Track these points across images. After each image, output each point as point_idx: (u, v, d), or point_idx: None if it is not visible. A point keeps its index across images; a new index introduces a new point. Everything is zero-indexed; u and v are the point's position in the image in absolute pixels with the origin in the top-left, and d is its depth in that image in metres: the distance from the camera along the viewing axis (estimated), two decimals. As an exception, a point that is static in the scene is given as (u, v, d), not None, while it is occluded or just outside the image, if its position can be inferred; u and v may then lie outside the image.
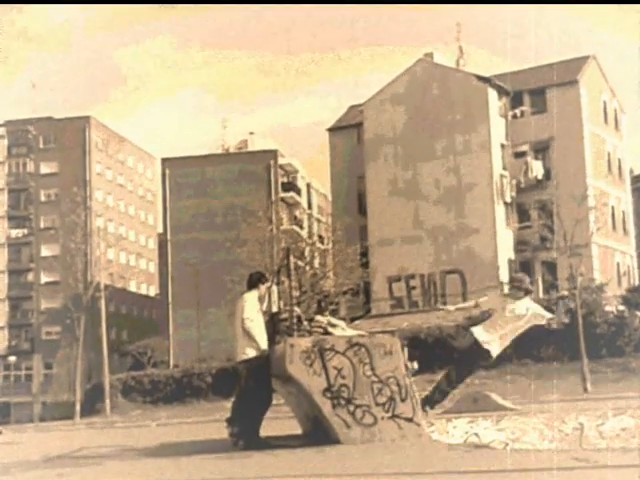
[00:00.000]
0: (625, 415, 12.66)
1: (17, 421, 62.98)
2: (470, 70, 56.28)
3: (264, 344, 10.59)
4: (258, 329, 10.61)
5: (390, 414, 10.03)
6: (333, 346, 10.19)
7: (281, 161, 69.48)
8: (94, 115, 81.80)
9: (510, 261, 52.77)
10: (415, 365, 10.30)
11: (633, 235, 58.72)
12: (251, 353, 10.54)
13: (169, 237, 68.23)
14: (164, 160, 71.04)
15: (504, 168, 53.59)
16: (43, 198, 79.12)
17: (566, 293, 43.89)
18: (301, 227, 68.18)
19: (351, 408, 9.96)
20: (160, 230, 78.55)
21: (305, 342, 10.26)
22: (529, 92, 54.66)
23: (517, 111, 54.80)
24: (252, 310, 10.66)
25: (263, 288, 11.08)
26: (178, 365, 57.57)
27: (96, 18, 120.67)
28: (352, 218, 56.39)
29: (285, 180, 70.13)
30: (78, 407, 48.73)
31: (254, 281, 11.09)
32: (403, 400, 10.10)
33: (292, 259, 13.20)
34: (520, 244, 52.92)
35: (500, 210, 52.90)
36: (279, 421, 14.24)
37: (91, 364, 63.83)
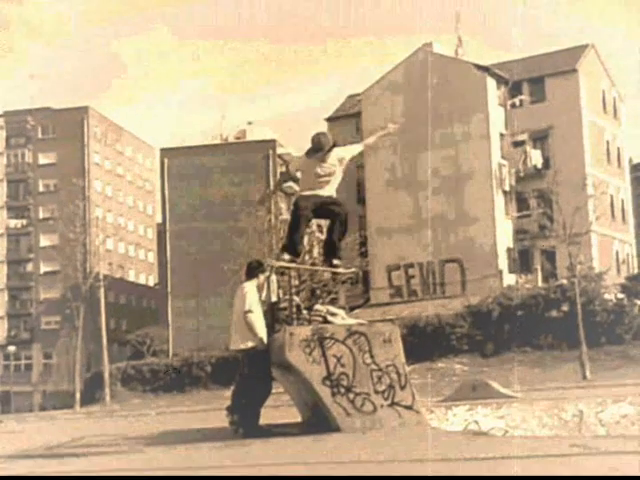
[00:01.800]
0: (624, 402, 12.69)
1: (17, 410, 63.05)
2: (469, 59, 56.19)
3: (263, 334, 10.61)
4: (258, 320, 10.63)
5: (389, 402, 10.04)
6: (333, 335, 10.20)
7: (279, 150, 69.41)
8: (93, 106, 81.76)
9: (509, 250, 52.80)
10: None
11: (632, 223, 58.73)
12: (251, 343, 10.56)
13: (168, 227, 68.17)
14: (163, 150, 70.96)
15: (503, 157, 53.54)
16: (42, 188, 79.06)
17: (565, 281, 43.97)
18: (300, 216, 68.02)
19: (351, 396, 9.98)
20: (159, 220, 78.51)
21: (305, 331, 10.28)
22: (528, 81, 54.55)
23: (516, 100, 54.70)
24: (253, 301, 10.67)
25: (262, 277, 11.09)
26: (177, 354, 57.67)
27: (95, 8, 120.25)
28: (351, 207, 55.98)
29: (284, 169, 70.05)
30: (78, 396, 48.88)
31: (252, 270, 11.10)
32: (402, 388, 10.12)
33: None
34: (519, 233, 52.93)
35: (499, 199, 52.88)
36: (279, 409, 14.26)
37: (91, 353, 63.92)
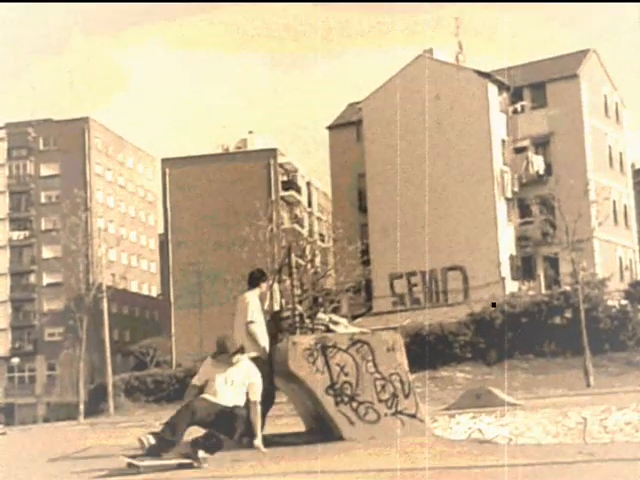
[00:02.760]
0: (629, 409, 12.65)
1: (21, 422, 63.11)
2: (470, 65, 56.23)
3: (266, 344, 10.58)
4: (260, 330, 10.60)
5: (393, 410, 10.02)
6: (336, 343, 10.18)
7: (281, 160, 69.46)
8: (94, 117, 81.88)
9: (512, 257, 52.73)
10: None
11: (635, 229, 58.64)
12: (253, 353, 10.53)
13: (170, 237, 68.22)
14: (164, 160, 71.05)
15: (505, 163, 53.52)
16: (44, 200, 79.18)
17: (568, 288, 43.89)
18: (302, 226, 68.15)
19: (354, 405, 9.95)
20: (161, 230, 78.57)
21: (308, 340, 10.26)
22: (529, 87, 54.56)
23: (517, 106, 54.72)
24: (255, 311, 10.63)
25: (264, 286, 11.05)
26: (181, 364, 57.62)
27: (96, 20, 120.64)
28: (353, 216, 56.35)
29: (285, 179, 70.11)
30: (82, 407, 48.79)
31: (255, 279, 11.06)
32: (406, 396, 10.10)
33: (293, 258, 13.20)
34: (522, 240, 52.86)
35: (501, 206, 52.84)
36: (283, 419, 14.24)
37: (94, 365, 63.86)
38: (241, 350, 9.37)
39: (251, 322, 10.52)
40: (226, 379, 9.12)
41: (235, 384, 9.13)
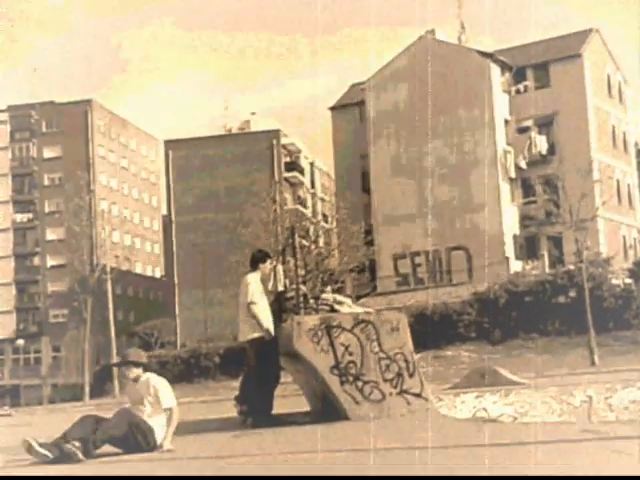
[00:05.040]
0: (634, 387, 12.65)
1: (27, 404, 63.27)
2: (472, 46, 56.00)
3: (269, 324, 10.57)
4: (263, 311, 10.57)
5: (398, 390, 10.03)
6: (340, 323, 10.18)
7: (284, 141, 69.31)
8: (96, 98, 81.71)
9: (515, 236, 52.71)
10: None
11: (639, 208, 58.55)
12: (257, 334, 10.53)
13: (173, 219, 68.22)
14: (167, 142, 70.97)
15: (508, 144, 53.39)
16: (47, 182, 79.15)
17: (572, 267, 43.89)
18: (305, 206, 68.11)
19: (359, 384, 9.97)
20: (164, 212, 78.57)
21: (312, 320, 10.26)
22: (532, 67, 54.34)
23: (520, 86, 54.52)
24: (256, 292, 10.62)
25: (267, 267, 11.03)
26: (185, 345, 57.79)
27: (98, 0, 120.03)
28: (356, 196, 56.24)
29: (288, 160, 69.99)
30: (87, 388, 49.02)
31: (256, 260, 11.05)
32: (411, 375, 10.10)
33: (297, 238, 13.18)
34: (525, 219, 52.82)
35: (505, 186, 52.76)
36: (287, 399, 14.26)
37: (99, 346, 64.08)
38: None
39: (252, 303, 10.50)
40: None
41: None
